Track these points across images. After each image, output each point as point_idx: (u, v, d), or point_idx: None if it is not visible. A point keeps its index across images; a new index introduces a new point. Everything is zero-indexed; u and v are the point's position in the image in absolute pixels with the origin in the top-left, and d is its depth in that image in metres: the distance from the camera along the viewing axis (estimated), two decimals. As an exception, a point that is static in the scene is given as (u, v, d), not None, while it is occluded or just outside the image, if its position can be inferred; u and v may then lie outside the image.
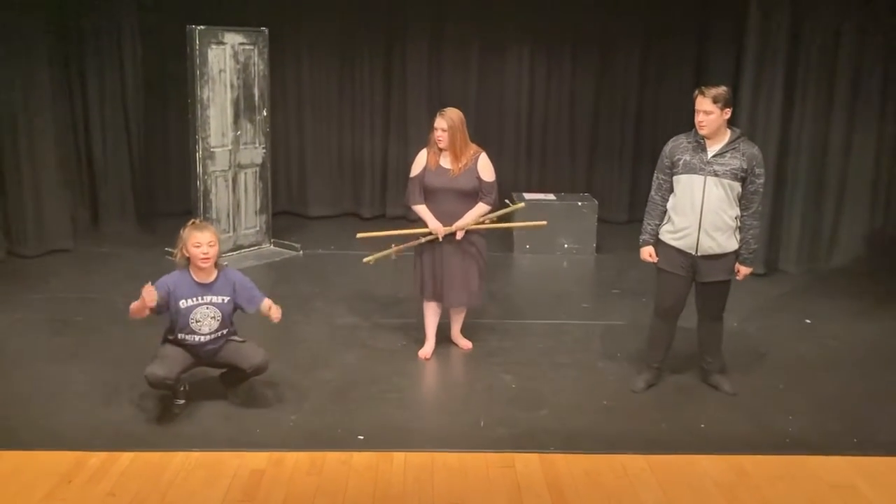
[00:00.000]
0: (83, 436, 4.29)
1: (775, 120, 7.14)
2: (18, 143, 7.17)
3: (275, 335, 5.69)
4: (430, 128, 5.10)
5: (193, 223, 4.46)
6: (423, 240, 5.11)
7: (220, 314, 4.43)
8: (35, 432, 4.31)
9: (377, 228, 8.71)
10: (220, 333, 4.48)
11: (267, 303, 4.53)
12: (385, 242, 5.39)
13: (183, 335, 4.41)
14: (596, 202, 8.17)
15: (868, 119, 7.32)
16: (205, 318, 4.41)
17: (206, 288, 4.42)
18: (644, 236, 4.83)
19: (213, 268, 4.45)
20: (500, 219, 5.31)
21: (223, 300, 4.44)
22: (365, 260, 5.33)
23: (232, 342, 4.55)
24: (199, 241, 4.33)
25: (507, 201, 5.23)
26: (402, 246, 5.21)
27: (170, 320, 4.45)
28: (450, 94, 8.74)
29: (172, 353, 4.44)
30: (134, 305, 4.30)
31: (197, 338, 4.42)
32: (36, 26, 7.13)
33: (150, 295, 4.18)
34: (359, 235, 5.50)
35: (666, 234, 4.73)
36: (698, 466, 4.15)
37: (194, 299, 4.39)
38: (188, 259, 4.39)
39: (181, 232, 4.41)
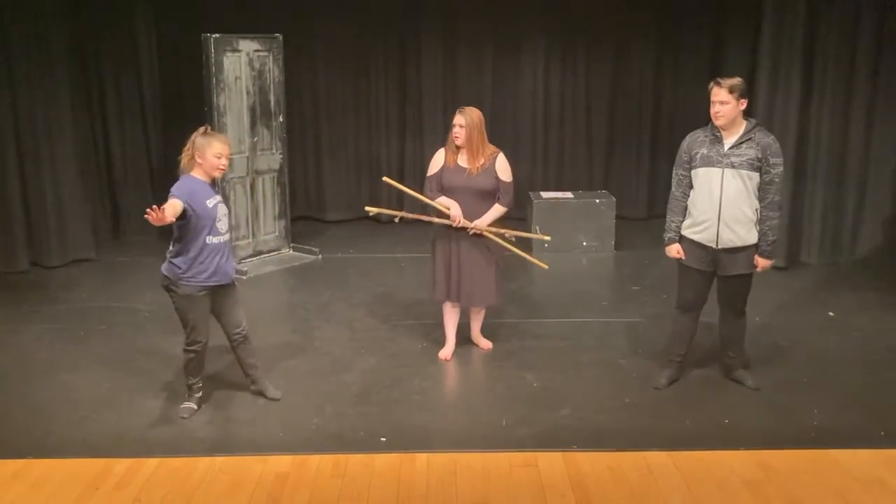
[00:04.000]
0: (109, 443, 4.33)
1: (793, 111, 7.08)
2: (40, 156, 7.26)
3: (296, 339, 5.74)
4: (449, 126, 5.11)
5: (207, 131, 4.42)
6: (433, 215, 5.09)
7: (227, 211, 4.52)
8: (62, 440, 4.36)
9: (393, 229, 8.80)
10: (229, 234, 4.54)
11: None
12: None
13: (211, 238, 4.36)
14: (614, 199, 8.14)
15: (889, 107, 7.24)
16: (223, 217, 4.44)
17: (213, 188, 4.47)
18: (669, 234, 4.79)
19: None
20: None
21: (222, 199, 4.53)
22: (368, 208, 5.47)
23: (236, 291, 4.58)
24: (221, 153, 4.35)
25: (536, 228, 5.20)
26: (409, 214, 5.28)
27: (180, 250, 4.34)
28: (465, 95, 8.72)
29: (200, 310, 4.44)
30: (154, 217, 4.03)
31: (220, 238, 4.41)
32: (54, 39, 7.21)
33: (172, 209, 4.13)
34: (385, 179, 5.59)
35: (686, 229, 4.71)
36: (723, 462, 4.12)
37: (214, 198, 4.42)
38: (197, 164, 4.38)
39: (193, 138, 4.37)
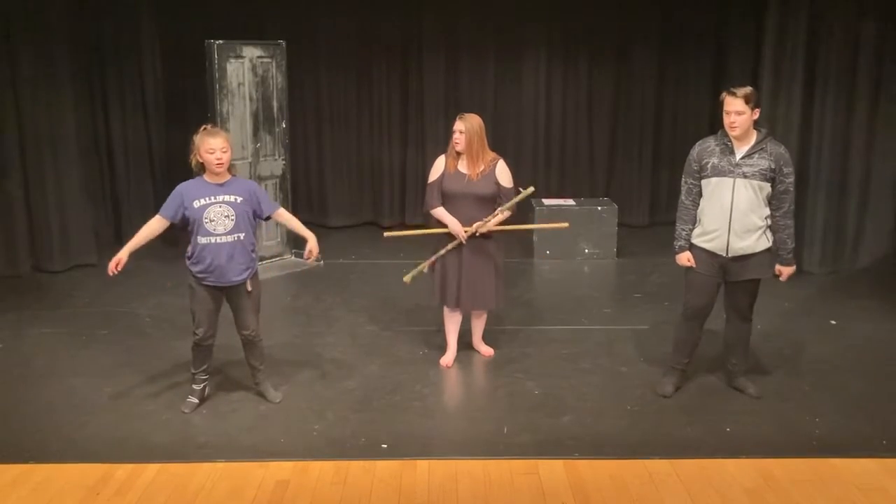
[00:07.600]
0: (110, 448, 4.33)
1: (795, 119, 7.09)
2: (42, 160, 7.27)
3: (297, 345, 5.74)
4: (450, 133, 5.12)
5: (205, 129, 4.48)
6: (449, 247, 5.09)
7: (233, 213, 4.46)
8: (63, 445, 4.36)
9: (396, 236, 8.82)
10: (236, 237, 4.48)
11: (311, 243, 4.68)
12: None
13: (201, 238, 4.43)
14: (616, 206, 8.14)
15: (891, 116, 7.23)
16: (219, 218, 4.44)
17: (219, 188, 4.47)
18: (679, 242, 4.77)
19: (227, 172, 4.51)
20: (520, 218, 5.27)
21: (236, 199, 4.48)
22: (405, 280, 5.32)
23: (246, 289, 4.58)
24: (213, 147, 4.38)
25: (518, 189, 5.18)
26: (431, 259, 5.19)
27: (190, 244, 4.51)
28: (467, 101, 8.75)
29: (200, 303, 4.54)
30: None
31: (213, 239, 4.43)
32: (58, 44, 7.22)
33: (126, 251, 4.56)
34: (385, 234, 5.66)
35: (696, 237, 4.70)
36: (725, 471, 4.11)
37: (207, 199, 4.44)
38: (202, 165, 4.46)
39: (194, 138, 4.45)
